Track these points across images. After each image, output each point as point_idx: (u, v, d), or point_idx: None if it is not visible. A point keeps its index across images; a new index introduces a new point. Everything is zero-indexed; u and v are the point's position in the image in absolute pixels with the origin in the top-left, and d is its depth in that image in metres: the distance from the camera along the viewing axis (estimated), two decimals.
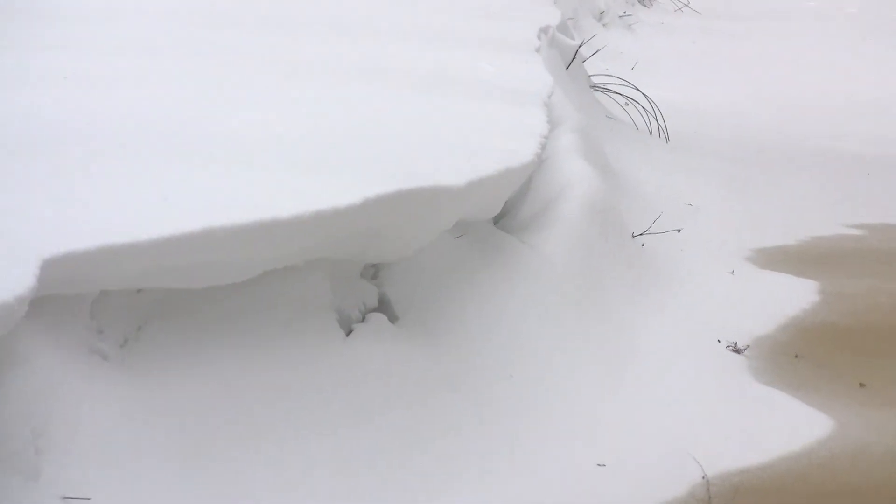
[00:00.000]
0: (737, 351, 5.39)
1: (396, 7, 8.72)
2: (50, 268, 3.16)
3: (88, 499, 3.18)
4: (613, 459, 4.34)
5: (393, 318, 4.50)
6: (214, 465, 3.55)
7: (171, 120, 4.79)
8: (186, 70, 5.82)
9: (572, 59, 8.69)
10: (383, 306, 4.56)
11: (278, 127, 4.91)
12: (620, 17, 15.58)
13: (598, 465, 4.30)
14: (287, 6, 8.16)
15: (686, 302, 5.92)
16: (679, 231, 6.62)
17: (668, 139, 9.17)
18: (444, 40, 7.60)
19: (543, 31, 8.47)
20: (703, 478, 4.30)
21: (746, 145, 9.99)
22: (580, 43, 9.20)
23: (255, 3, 8.08)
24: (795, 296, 6.24)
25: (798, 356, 5.44)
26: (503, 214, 5.84)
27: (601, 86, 9.43)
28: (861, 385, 5.14)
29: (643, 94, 9.36)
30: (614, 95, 9.40)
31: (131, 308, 3.66)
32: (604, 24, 14.85)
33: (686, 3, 17.42)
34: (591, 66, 9.81)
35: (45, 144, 4.29)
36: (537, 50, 7.78)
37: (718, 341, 5.47)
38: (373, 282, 4.63)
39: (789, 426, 4.74)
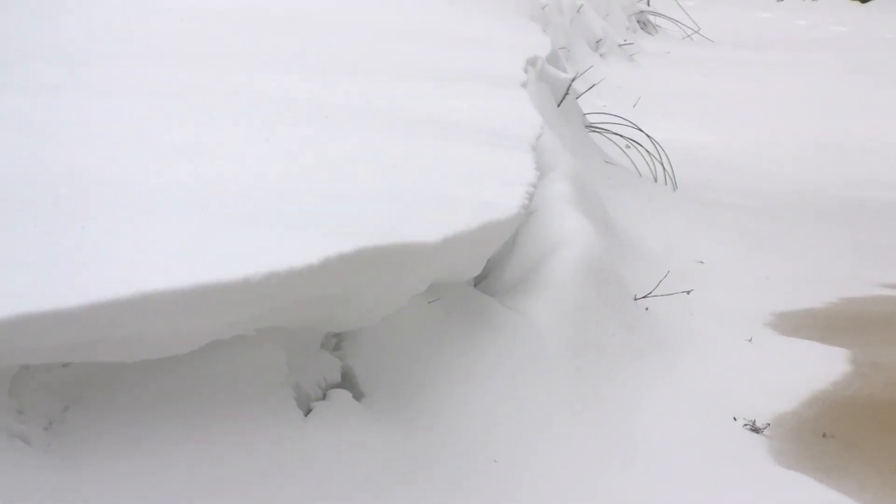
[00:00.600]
0: (755, 430, 5.43)
1: (361, 35, 8.79)
2: None
3: None
4: None
5: (358, 395, 4.53)
6: None
7: (102, 169, 4.80)
8: (124, 112, 5.84)
9: (564, 94, 8.78)
10: (347, 381, 4.58)
11: (224, 175, 4.92)
12: (620, 45, 15.72)
13: None
14: (243, 39, 8.21)
15: (697, 373, 5.95)
16: (688, 293, 6.67)
17: (675, 187, 9.25)
18: (416, 73, 7.67)
19: (531, 62, 8.55)
20: None
21: (765, 194, 10.07)
22: (574, 76, 9.29)
23: (209, 38, 8.13)
24: (823, 366, 6.29)
25: (826, 435, 5.48)
26: (485, 275, 5.88)
27: (598, 125, 9.52)
28: None
29: (646, 136, 9.44)
30: (613, 137, 9.48)
31: (56, 385, 3.68)
32: (601, 55, 14.99)
33: (696, 29, 17.57)
34: (587, 103, 9.91)
35: None
36: (524, 84, 7.85)
37: (734, 419, 5.51)
38: (335, 353, 4.66)
39: None
